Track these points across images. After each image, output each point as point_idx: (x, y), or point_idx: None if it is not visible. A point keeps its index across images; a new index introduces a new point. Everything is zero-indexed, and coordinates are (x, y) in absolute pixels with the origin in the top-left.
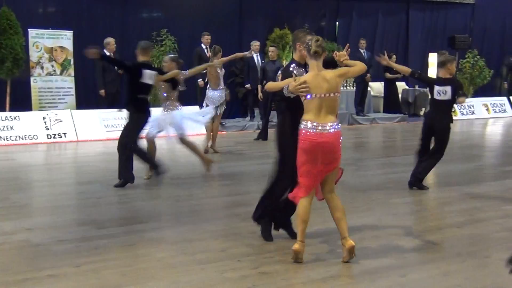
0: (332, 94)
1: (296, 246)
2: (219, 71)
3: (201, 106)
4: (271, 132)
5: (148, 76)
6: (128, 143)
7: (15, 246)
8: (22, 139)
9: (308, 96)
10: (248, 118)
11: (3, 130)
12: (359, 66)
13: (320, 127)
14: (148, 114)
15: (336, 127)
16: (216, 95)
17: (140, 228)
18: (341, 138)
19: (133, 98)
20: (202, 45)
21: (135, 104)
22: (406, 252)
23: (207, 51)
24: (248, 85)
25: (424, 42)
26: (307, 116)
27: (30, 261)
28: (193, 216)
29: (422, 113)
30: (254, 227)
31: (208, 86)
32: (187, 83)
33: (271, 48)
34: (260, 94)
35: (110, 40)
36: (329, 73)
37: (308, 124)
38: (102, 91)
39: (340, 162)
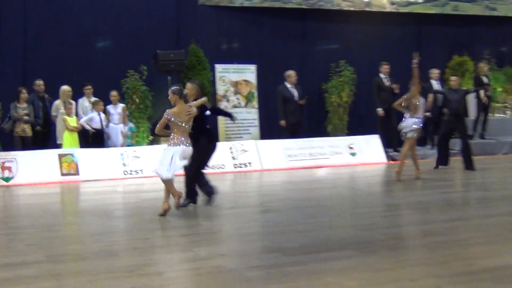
0: None
1: None
2: (417, 102)
3: (380, 135)
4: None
5: None
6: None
7: (211, 271)
8: (211, 168)
9: None
10: (429, 146)
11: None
12: None
13: None
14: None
15: None
16: (410, 122)
17: (328, 256)
18: None
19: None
20: (381, 74)
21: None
22: None
23: (386, 80)
24: (428, 114)
25: None
26: None
27: (226, 285)
28: (379, 245)
29: None
30: (443, 258)
31: (406, 114)
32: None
33: (453, 78)
34: None
35: (291, 73)
36: None
37: None
38: (283, 122)
39: None
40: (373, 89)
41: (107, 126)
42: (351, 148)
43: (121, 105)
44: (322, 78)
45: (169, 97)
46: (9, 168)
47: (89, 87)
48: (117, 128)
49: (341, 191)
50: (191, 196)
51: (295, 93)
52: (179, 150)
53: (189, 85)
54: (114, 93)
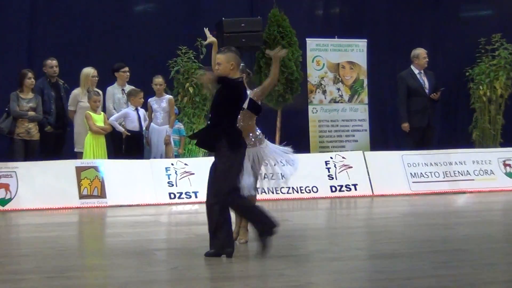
0: None
1: None
2: None
3: None
4: None
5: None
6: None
7: None
8: (297, 191)
9: None
10: None
11: (270, 178)
12: None
13: None
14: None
15: None
16: None
17: None
18: None
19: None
20: None
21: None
22: None
23: None
24: None
25: None
26: None
27: None
28: None
29: None
30: None
31: None
32: None
33: None
34: None
35: (421, 52)
36: None
37: None
38: (405, 125)
39: None
40: None
41: (147, 127)
42: (507, 165)
43: (167, 97)
44: (466, 61)
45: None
46: (6, 186)
47: (125, 69)
48: (161, 131)
49: (492, 229)
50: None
51: (425, 82)
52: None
53: (220, 56)
54: (158, 80)
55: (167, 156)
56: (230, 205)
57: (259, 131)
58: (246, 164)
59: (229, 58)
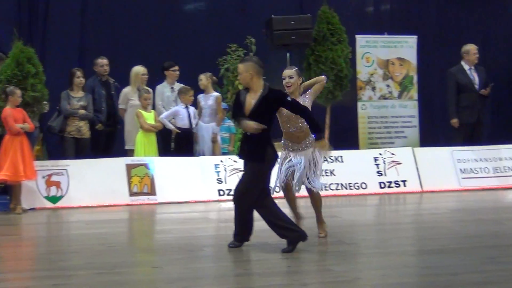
0: None
1: None
2: None
3: None
4: None
5: None
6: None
7: None
8: (346, 188)
9: None
10: None
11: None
12: None
13: None
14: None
15: None
16: None
17: None
18: None
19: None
20: None
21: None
22: None
23: None
24: None
25: None
26: None
27: None
28: None
29: None
30: None
31: None
32: None
33: None
34: None
35: (471, 48)
36: None
37: None
38: (454, 121)
39: None
40: None
41: (197, 124)
42: None
43: (214, 95)
44: None
45: (293, 81)
46: (57, 184)
47: (175, 68)
48: (208, 128)
49: None
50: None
51: (475, 78)
52: None
53: (240, 66)
54: (204, 76)
55: (214, 153)
56: (242, 205)
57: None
58: (301, 164)
59: (247, 68)
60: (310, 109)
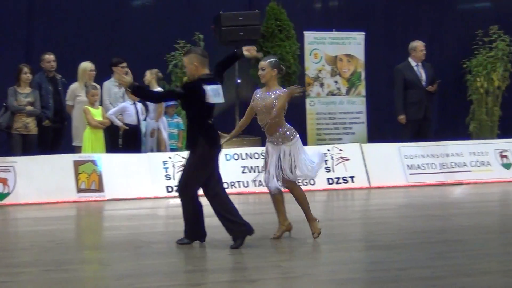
0: None
1: None
2: None
3: None
4: None
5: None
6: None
7: None
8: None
9: None
10: None
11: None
12: None
13: None
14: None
15: None
16: None
17: None
18: None
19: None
20: None
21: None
22: None
23: None
24: None
25: None
26: None
27: None
28: None
29: None
30: None
31: None
32: None
33: None
34: None
35: (418, 45)
36: None
37: None
38: (401, 117)
39: None
40: None
41: (145, 120)
42: (504, 157)
43: (156, 90)
44: (463, 53)
45: (264, 73)
46: (4, 181)
47: (123, 64)
48: (153, 124)
49: (487, 220)
50: (193, 234)
51: (422, 75)
52: None
53: (184, 59)
54: (149, 72)
55: (158, 149)
56: (186, 197)
57: (287, 128)
58: (272, 158)
59: (191, 59)
60: (275, 103)
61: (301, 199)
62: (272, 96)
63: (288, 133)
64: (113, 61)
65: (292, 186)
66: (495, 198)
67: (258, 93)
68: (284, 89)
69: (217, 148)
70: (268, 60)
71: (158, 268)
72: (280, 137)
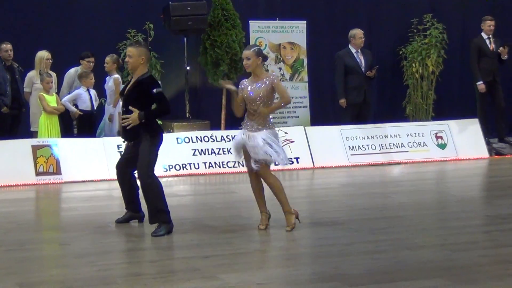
0: None
1: None
2: None
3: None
4: None
5: None
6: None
7: None
8: (243, 165)
9: None
10: None
11: (219, 154)
12: None
13: None
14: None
15: None
16: None
17: (406, 286)
18: None
19: None
20: (483, 34)
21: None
22: None
23: (490, 43)
24: None
25: None
26: None
27: None
28: (479, 272)
29: None
30: None
31: None
32: None
33: None
34: None
35: (357, 32)
36: None
37: None
38: (342, 101)
39: None
40: (471, 54)
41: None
42: (439, 137)
43: (113, 77)
44: (399, 40)
45: (249, 62)
46: None
47: (90, 59)
48: (109, 109)
49: (425, 197)
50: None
51: (362, 61)
52: None
53: (132, 50)
54: (110, 58)
55: (112, 133)
56: (149, 185)
57: (271, 117)
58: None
59: (140, 53)
60: (261, 94)
61: (274, 189)
62: (264, 86)
63: (271, 120)
64: (82, 54)
65: (265, 175)
66: (432, 176)
67: (246, 83)
68: (273, 74)
69: (155, 139)
70: (252, 49)
71: (117, 246)
72: (261, 124)
